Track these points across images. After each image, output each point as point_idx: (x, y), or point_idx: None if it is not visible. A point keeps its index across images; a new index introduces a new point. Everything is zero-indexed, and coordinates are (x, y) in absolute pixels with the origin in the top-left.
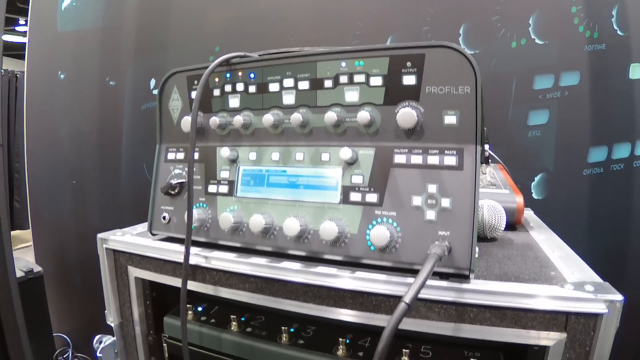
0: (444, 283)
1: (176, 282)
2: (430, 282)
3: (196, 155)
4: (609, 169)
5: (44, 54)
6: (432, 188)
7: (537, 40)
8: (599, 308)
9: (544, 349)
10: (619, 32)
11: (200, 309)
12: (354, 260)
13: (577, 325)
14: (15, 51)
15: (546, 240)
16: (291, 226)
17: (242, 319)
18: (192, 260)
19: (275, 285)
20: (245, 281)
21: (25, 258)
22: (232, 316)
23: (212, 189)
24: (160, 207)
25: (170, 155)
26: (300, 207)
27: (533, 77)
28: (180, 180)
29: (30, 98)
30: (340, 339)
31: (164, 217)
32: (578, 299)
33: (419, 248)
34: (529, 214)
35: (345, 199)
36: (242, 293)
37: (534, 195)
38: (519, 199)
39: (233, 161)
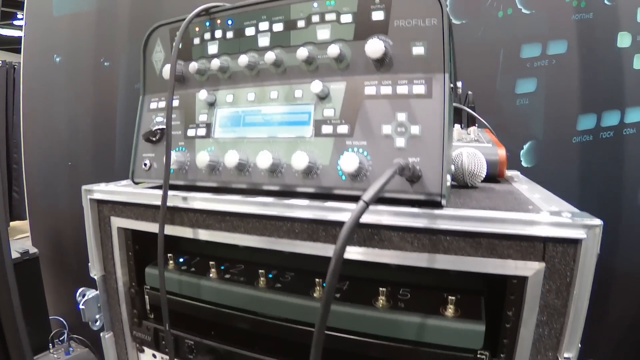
0: (415, 210)
1: (157, 228)
2: (402, 208)
3: (176, 103)
4: (599, 137)
5: (40, 39)
6: (401, 116)
7: (523, 10)
8: (577, 233)
9: (523, 281)
10: (606, 1)
11: (181, 260)
12: (326, 191)
13: (555, 254)
14: (14, 45)
15: (529, 189)
16: (264, 159)
17: (222, 267)
18: (170, 202)
19: (249, 222)
20: (222, 220)
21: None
22: (211, 262)
23: (190, 132)
24: (142, 154)
25: (153, 105)
26: (274, 143)
27: (520, 46)
28: (160, 127)
29: (26, 82)
30: (317, 280)
31: (145, 164)
32: (555, 224)
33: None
34: (515, 174)
35: (317, 133)
36: (219, 233)
37: (523, 164)
38: (501, 152)
39: (211, 104)
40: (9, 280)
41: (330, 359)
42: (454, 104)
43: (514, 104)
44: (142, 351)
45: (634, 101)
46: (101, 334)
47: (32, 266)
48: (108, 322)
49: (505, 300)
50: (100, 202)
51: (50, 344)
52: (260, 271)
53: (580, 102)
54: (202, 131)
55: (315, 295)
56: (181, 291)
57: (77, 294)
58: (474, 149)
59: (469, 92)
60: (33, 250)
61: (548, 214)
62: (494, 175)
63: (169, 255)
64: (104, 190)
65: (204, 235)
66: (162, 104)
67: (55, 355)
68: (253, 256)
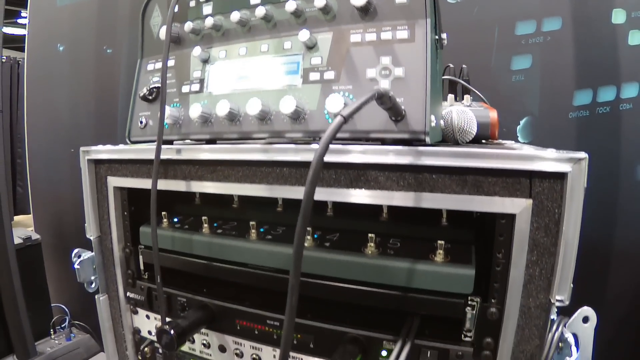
0: (400, 147)
1: (151, 184)
2: (387, 147)
3: (172, 62)
4: (595, 112)
5: (44, 28)
6: (385, 60)
7: None
8: (563, 167)
9: (511, 220)
10: None
11: (175, 220)
12: (314, 135)
13: (542, 190)
14: (17, 43)
15: (520, 145)
16: (253, 105)
17: (215, 224)
18: (164, 155)
19: (240, 170)
20: (213, 171)
21: None
22: (203, 218)
23: (185, 89)
24: (138, 113)
25: (150, 67)
26: (264, 93)
27: (515, 23)
28: (156, 85)
29: (30, 72)
30: (309, 229)
31: (141, 122)
32: (540, 158)
33: (373, 117)
34: (509, 142)
35: (305, 80)
36: (210, 184)
37: (520, 139)
38: (493, 114)
39: (205, 61)
40: (11, 266)
41: (319, 308)
42: (449, 77)
43: (509, 80)
44: (136, 312)
45: (629, 77)
46: (96, 297)
47: (35, 252)
48: (103, 284)
49: (495, 243)
50: (97, 163)
51: (52, 330)
52: (251, 223)
53: (576, 78)
54: (195, 87)
55: (306, 244)
56: (174, 247)
57: (73, 255)
58: (464, 107)
59: (463, 66)
60: (35, 236)
61: (533, 149)
62: (485, 137)
63: (163, 213)
64: (101, 150)
65: (196, 187)
66: (159, 65)
67: (56, 341)
68: (245, 214)
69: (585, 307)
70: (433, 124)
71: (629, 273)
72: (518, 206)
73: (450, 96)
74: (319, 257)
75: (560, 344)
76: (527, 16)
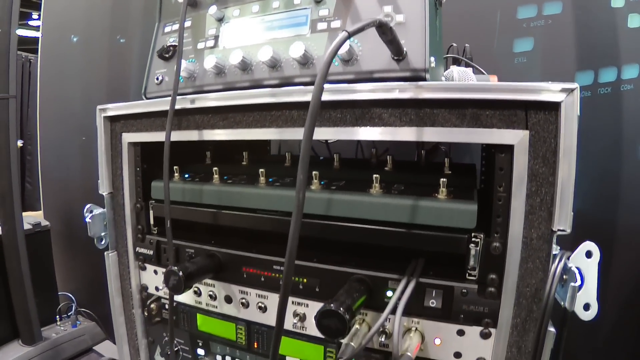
0: (402, 83)
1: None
2: (390, 83)
3: (188, 24)
4: (597, 93)
5: (58, 20)
6: (387, 8)
7: None
8: (556, 97)
9: (510, 152)
10: None
11: (186, 176)
12: None
13: (537, 121)
14: (30, 45)
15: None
16: (265, 52)
17: (225, 177)
18: (178, 105)
19: (251, 115)
20: (224, 118)
21: None
22: (214, 169)
23: (200, 45)
24: (155, 71)
25: (167, 29)
26: (275, 43)
27: (516, 7)
28: (173, 43)
29: (44, 64)
30: (314, 173)
31: (157, 79)
32: (534, 90)
33: (377, 58)
34: None
35: (313, 30)
36: (222, 131)
37: None
38: (493, 78)
39: (220, 20)
40: (19, 251)
41: (325, 253)
42: (452, 55)
43: (512, 62)
44: (144, 269)
45: (629, 58)
46: (105, 253)
47: (43, 238)
48: (113, 240)
49: (495, 177)
50: (113, 120)
51: (58, 317)
52: (260, 170)
53: (577, 60)
54: (210, 43)
55: (312, 187)
56: (184, 198)
57: (85, 210)
58: (464, 68)
59: (466, 45)
60: (45, 222)
61: (527, 83)
62: None
63: (175, 167)
64: (117, 107)
65: (208, 135)
66: (176, 27)
67: (62, 327)
68: (254, 170)
69: (588, 242)
70: (433, 65)
71: (631, 254)
72: (515, 137)
73: (453, 66)
74: (325, 198)
75: (564, 276)
76: (528, 0)
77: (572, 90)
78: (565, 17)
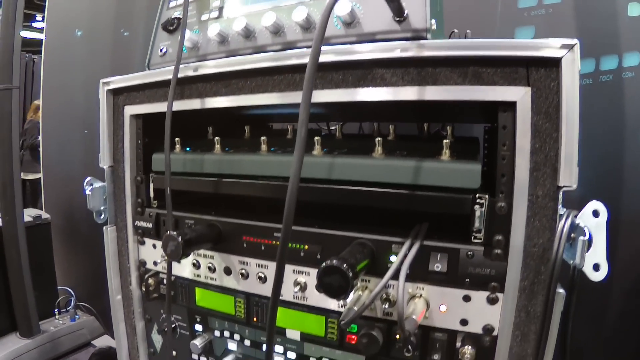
0: (403, 42)
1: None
2: (391, 43)
3: None
4: (599, 80)
5: (62, 15)
6: None
7: None
8: (557, 52)
9: (512, 109)
10: None
11: (188, 149)
12: (325, 41)
13: (539, 77)
14: (34, 47)
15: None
16: (268, 17)
17: (227, 149)
18: (181, 73)
19: (253, 81)
20: (227, 85)
21: None
22: (216, 139)
23: (204, 17)
24: (159, 43)
25: (172, 3)
26: (278, 10)
27: None
28: (178, 16)
29: (47, 58)
30: (316, 138)
31: (161, 50)
32: (534, 46)
33: (378, 20)
34: None
35: None
36: (225, 98)
37: None
38: None
39: None
40: (19, 243)
41: (327, 219)
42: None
43: None
44: (143, 243)
45: (630, 46)
46: (104, 228)
47: (44, 231)
48: (112, 214)
49: (498, 136)
50: (116, 93)
51: (57, 310)
52: (262, 138)
53: (578, 48)
54: (214, 14)
55: (314, 152)
56: (185, 169)
57: (85, 183)
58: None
59: (468, 31)
60: (45, 215)
61: (527, 40)
62: None
63: (176, 139)
64: (120, 79)
65: (210, 102)
66: (181, 1)
67: (60, 321)
68: (256, 142)
69: (594, 201)
70: (434, 27)
71: (634, 243)
72: (517, 94)
73: None
74: (327, 162)
75: (572, 235)
76: None
77: (572, 46)
78: (565, 6)
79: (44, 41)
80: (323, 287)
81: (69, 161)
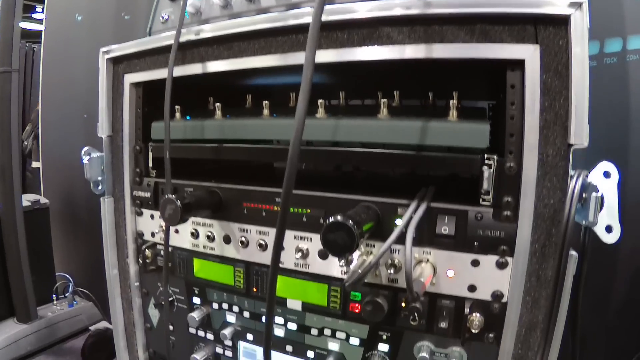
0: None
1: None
2: (396, 1)
3: None
4: (603, 63)
5: (61, 0)
6: None
7: None
8: (565, 10)
9: (521, 68)
10: None
11: (188, 118)
12: (329, 0)
13: (547, 35)
14: (33, 38)
15: None
16: None
17: (227, 116)
18: (183, 37)
19: (256, 43)
20: (229, 48)
21: None
22: (217, 105)
23: None
24: (161, 10)
25: None
26: None
27: None
28: None
29: (47, 44)
30: (319, 101)
31: (163, 17)
32: (543, 3)
33: None
34: None
35: None
36: (227, 62)
37: None
38: None
39: None
40: (17, 228)
41: (331, 184)
42: None
43: None
44: (140, 214)
45: (635, 29)
46: (101, 199)
47: (42, 216)
48: (110, 185)
49: (507, 95)
50: (116, 62)
51: (55, 296)
52: (264, 102)
53: (587, 6)
54: None
55: (317, 115)
56: (185, 136)
57: (83, 152)
58: None
59: None
60: (44, 200)
61: None
62: None
63: (176, 107)
64: (121, 47)
65: (212, 66)
66: None
67: (58, 307)
68: (258, 109)
69: (605, 162)
70: None
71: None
72: (526, 51)
73: None
74: (331, 124)
75: (583, 195)
76: None
77: (580, 4)
78: None
79: (44, 25)
80: (327, 245)
81: (68, 146)
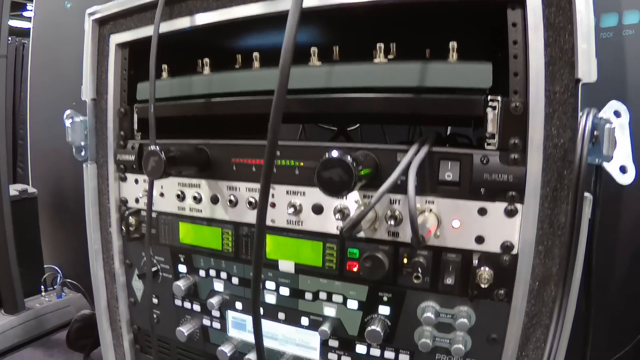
0: None
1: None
2: None
3: None
4: (599, 37)
5: None
6: None
7: None
8: None
9: (522, 5)
10: None
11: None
12: None
13: None
14: (23, 37)
15: None
16: None
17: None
18: None
19: None
20: None
21: None
22: (205, 60)
23: None
24: None
25: None
26: None
27: None
28: None
29: (37, 32)
30: (313, 49)
31: None
32: None
33: None
34: None
35: None
36: (216, 12)
37: None
38: None
39: None
40: (4, 217)
41: (327, 135)
42: None
43: None
44: (125, 179)
45: (630, 4)
46: (84, 165)
47: (30, 206)
48: (93, 150)
49: (509, 35)
50: (102, 23)
51: (43, 287)
52: (254, 54)
53: None
54: None
55: (310, 63)
56: (172, 93)
57: (65, 116)
58: None
59: None
60: (32, 190)
61: None
62: None
63: (163, 65)
64: (107, 7)
65: (201, 19)
66: None
67: (46, 298)
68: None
69: (614, 101)
70: None
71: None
72: None
73: None
74: (324, 70)
75: (595, 133)
76: None
77: None
78: None
79: (33, 11)
80: (322, 183)
81: (56, 135)
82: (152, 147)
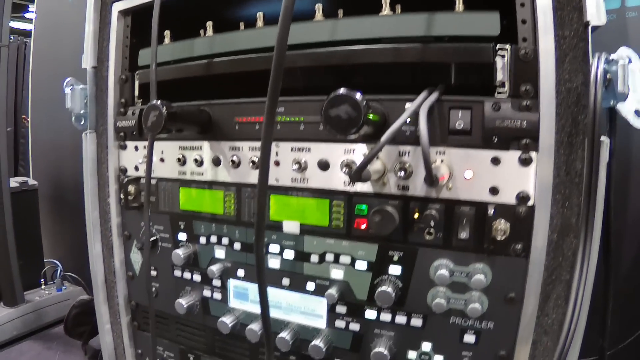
0: None
1: None
2: None
3: None
4: None
5: None
6: None
7: None
8: None
9: None
10: None
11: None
12: None
13: None
14: (24, 38)
15: None
16: None
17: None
18: None
19: None
20: None
21: None
22: (208, 23)
23: None
24: None
25: None
26: None
27: None
28: None
29: (38, 26)
30: (317, 5)
31: None
32: None
33: None
34: None
35: None
36: None
37: None
38: None
39: None
40: (4, 209)
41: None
42: None
43: None
44: (124, 147)
45: None
46: (83, 134)
47: (30, 198)
48: (92, 118)
49: None
50: None
51: (43, 280)
52: (258, 14)
53: None
54: None
55: (314, 19)
56: (173, 56)
57: (65, 84)
58: None
59: None
60: (32, 182)
61: None
62: None
63: (166, 32)
64: None
65: None
66: None
67: (46, 291)
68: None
69: (624, 47)
70: None
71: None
72: None
73: None
74: (329, 24)
75: (608, 75)
76: None
77: None
78: None
79: (35, 9)
80: (328, 121)
81: (57, 127)
82: (154, 102)
